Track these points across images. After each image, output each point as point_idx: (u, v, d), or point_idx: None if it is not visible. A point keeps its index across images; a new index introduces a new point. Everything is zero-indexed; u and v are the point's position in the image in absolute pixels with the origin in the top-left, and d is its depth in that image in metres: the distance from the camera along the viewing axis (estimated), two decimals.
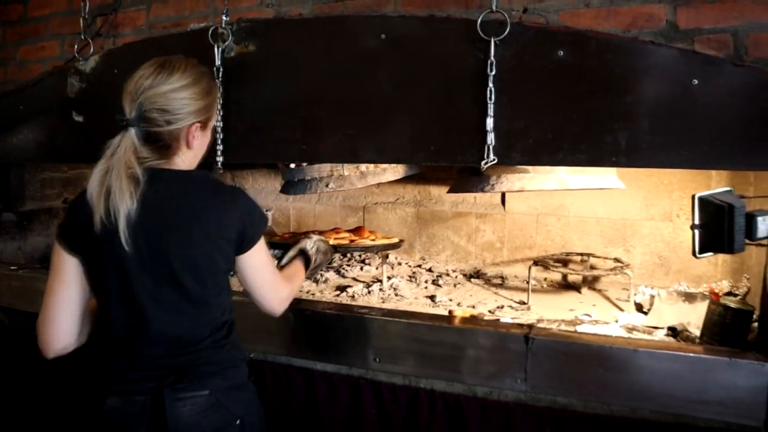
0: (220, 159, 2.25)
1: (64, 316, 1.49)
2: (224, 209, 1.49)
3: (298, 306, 2.14)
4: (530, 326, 1.94)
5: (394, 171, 2.63)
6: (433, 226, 3.17)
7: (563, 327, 2.11)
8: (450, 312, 2.10)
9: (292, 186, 2.84)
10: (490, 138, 1.86)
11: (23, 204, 3.18)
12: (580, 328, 2.08)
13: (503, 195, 3.00)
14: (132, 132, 1.46)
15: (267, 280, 1.61)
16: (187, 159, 1.55)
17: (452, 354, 1.94)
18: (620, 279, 2.61)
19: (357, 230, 2.27)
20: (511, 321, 2.14)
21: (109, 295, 1.47)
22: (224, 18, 2.23)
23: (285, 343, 2.18)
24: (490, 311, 2.38)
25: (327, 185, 2.62)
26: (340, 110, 2.09)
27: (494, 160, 1.86)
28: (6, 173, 3.09)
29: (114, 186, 1.40)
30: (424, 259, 3.18)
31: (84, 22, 2.59)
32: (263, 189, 3.66)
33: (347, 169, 2.64)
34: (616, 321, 2.23)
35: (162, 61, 1.52)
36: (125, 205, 1.38)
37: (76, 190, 3.47)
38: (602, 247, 2.85)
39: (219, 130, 2.23)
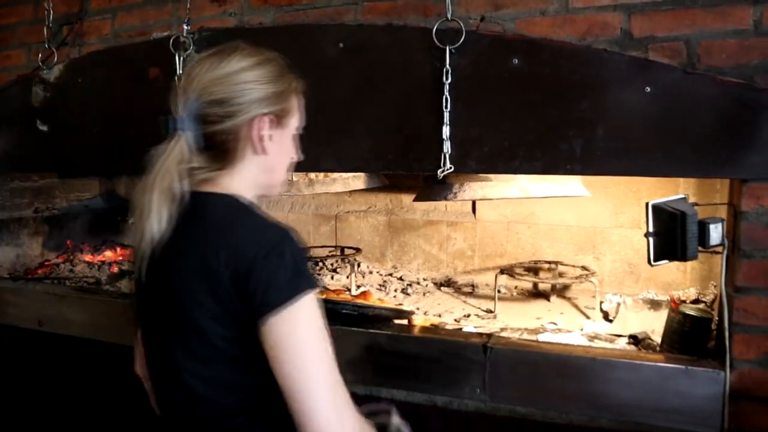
0: None
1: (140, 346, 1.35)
2: None
3: None
4: (489, 335, 1.93)
5: (344, 182, 2.63)
6: (404, 234, 3.17)
7: (525, 335, 2.10)
8: (409, 321, 2.09)
9: None
10: (447, 146, 1.86)
11: None
12: (542, 337, 2.07)
13: (474, 203, 3.00)
14: (184, 136, 1.18)
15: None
16: (253, 172, 1.23)
17: (412, 363, 1.93)
18: (590, 287, 2.60)
19: (362, 295, 2.24)
20: (473, 330, 2.13)
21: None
22: (185, 27, 2.23)
23: None
24: (456, 320, 2.37)
25: None
26: None
27: (450, 168, 1.86)
28: None
29: (145, 202, 1.16)
30: (395, 268, 3.17)
31: (48, 31, 2.57)
32: None
33: (296, 175, 2.63)
34: (581, 329, 2.22)
35: (220, 47, 1.25)
36: (151, 226, 1.14)
37: (48, 199, 3.45)
38: (573, 254, 2.84)
39: None
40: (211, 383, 1.16)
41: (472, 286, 2.91)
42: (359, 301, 2.12)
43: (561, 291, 2.74)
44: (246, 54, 1.23)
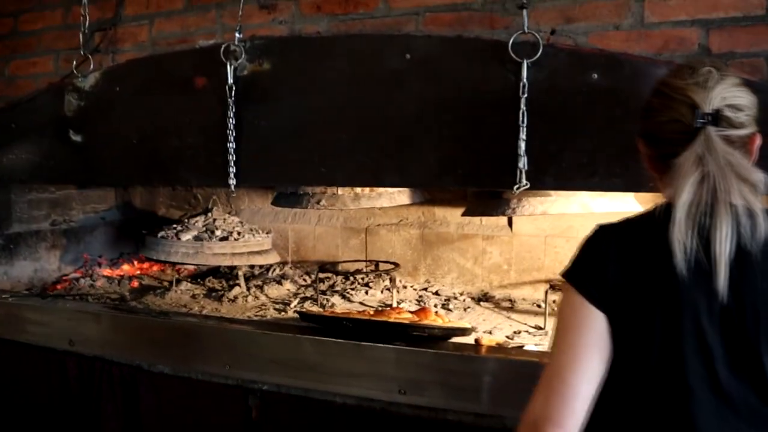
0: (233, 182, 2.16)
1: (581, 400, 1.07)
2: None
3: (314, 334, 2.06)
4: None
5: (390, 197, 2.57)
6: (438, 248, 3.11)
7: None
8: (477, 341, 2.03)
9: (284, 198, 2.76)
10: (522, 162, 1.80)
11: (9, 226, 3.02)
12: None
13: (510, 217, 2.95)
14: (713, 134, 1.09)
15: None
16: None
17: (481, 384, 1.87)
18: None
19: (421, 311, 2.17)
20: (536, 348, 2.08)
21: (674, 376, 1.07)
22: (237, 35, 2.15)
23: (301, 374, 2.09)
24: (508, 337, 2.32)
25: (318, 202, 2.54)
26: (361, 132, 2.02)
27: (527, 184, 1.81)
28: None
29: (720, 202, 1.04)
30: (429, 282, 3.11)
31: (83, 37, 2.47)
32: (260, 210, 3.55)
33: (341, 189, 2.57)
34: None
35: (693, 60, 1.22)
36: (729, 240, 1.03)
37: (65, 211, 3.33)
38: None
39: (232, 151, 2.14)
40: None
41: (511, 300, 2.85)
42: (427, 322, 2.06)
43: None
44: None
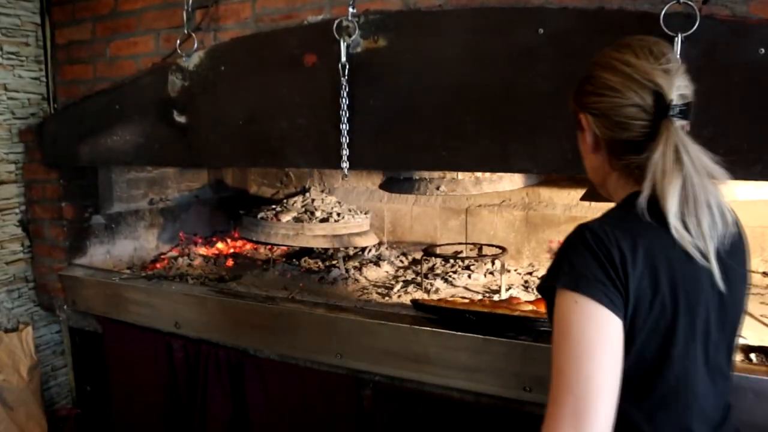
0: (345, 165, 2.07)
1: (608, 409, 1.01)
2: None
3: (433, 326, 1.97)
4: None
5: (512, 180, 2.42)
6: (543, 230, 2.96)
7: None
8: None
9: (395, 183, 2.64)
10: None
11: (111, 206, 3.04)
12: None
13: None
14: (678, 127, 1.11)
15: None
16: None
17: None
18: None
19: (539, 301, 2.05)
20: None
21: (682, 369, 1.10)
22: (350, 10, 2.03)
23: (416, 366, 2.01)
24: None
25: (438, 188, 2.42)
26: (488, 113, 1.88)
27: None
28: (95, 175, 2.94)
29: (700, 203, 1.08)
30: (533, 266, 2.97)
31: (186, 14, 2.40)
32: (354, 189, 3.47)
33: (462, 174, 2.44)
34: None
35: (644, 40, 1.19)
36: (717, 231, 1.09)
37: (161, 190, 3.33)
38: None
39: (345, 132, 2.04)
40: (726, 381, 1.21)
41: None
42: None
43: None
44: None
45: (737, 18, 1.65)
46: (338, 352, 2.16)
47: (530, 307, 2.05)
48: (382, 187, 2.69)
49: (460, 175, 2.33)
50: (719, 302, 1.13)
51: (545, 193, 2.97)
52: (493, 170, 2.21)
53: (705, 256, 1.08)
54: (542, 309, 2.07)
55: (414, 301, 2.15)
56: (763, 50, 1.57)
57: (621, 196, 1.21)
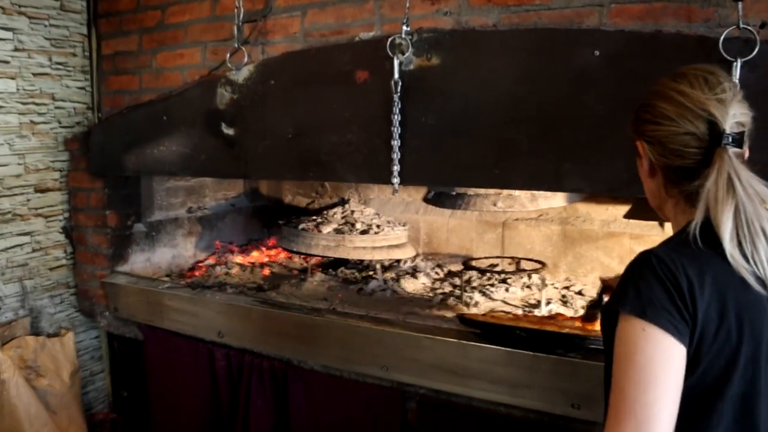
0: (396, 181, 2.10)
1: None
2: None
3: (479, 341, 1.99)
4: None
5: (566, 196, 2.44)
6: (580, 245, 2.97)
7: None
8: None
9: (446, 199, 2.66)
10: None
11: (152, 214, 3.08)
12: None
13: None
14: (732, 155, 1.12)
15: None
16: None
17: None
18: None
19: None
20: None
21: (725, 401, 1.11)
22: (404, 27, 2.06)
23: (462, 381, 2.03)
24: None
25: (495, 204, 2.44)
26: (541, 132, 1.90)
27: None
28: (138, 184, 2.99)
29: (756, 230, 1.09)
30: (569, 280, 2.98)
31: (237, 29, 2.45)
32: (389, 200, 3.50)
33: (518, 191, 2.45)
34: None
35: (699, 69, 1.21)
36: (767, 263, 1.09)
37: (199, 198, 3.37)
38: None
39: (396, 148, 2.07)
40: None
41: None
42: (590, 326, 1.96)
43: None
44: None
45: None
46: (384, 365, 2.18)
47: (578, 324, 2.06)
48: (430, 201, 2.72)
49: (516, 192, 2.35)
50: None
51: (583, 208, 2.99)
52: (545, 189, 2.23)
53: (763, 283, 1.09)
54: (589, 327, 2.08)
55: (460, 316, 2.17)
56: None
57: (681, 221, 1.22)
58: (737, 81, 1.63)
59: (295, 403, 2.40)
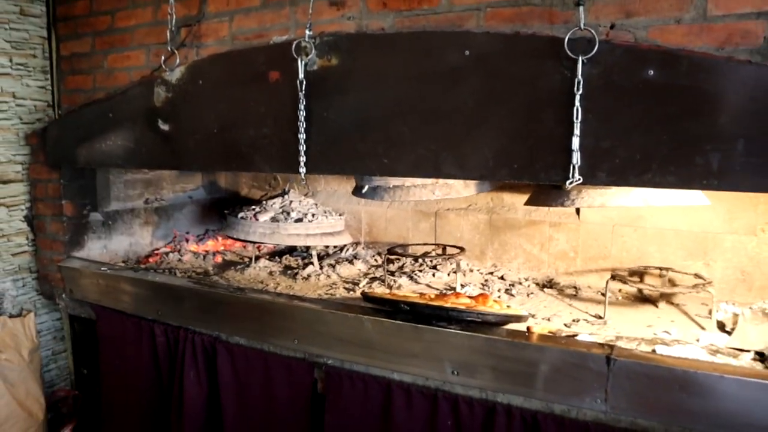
0: (302, 170, 2.31)
1: None
2: None
3: (375, 315, 2.20)
4: (611, 347, 1.92)
5: (466, 186, 2.64)
6: (505, 233, 3.16)
7: (643, 346, 2.07)
8: (528, 329, 2.10)
9: (384, 191, 2.84)
10: (576, 157, 1.84)
11: (108, 204, 3.32)
12: (660, 349, 2.04)
13: None
14: None
15: None
16: None
17: (530, 371, 1.94)
18: (700, 294, 2.54)
19: (480, 297, 2.27)
20: (589, 339, 2.12)
21: None
22: (307, 32, 2.27)
23: (362, 351, 2.24)
24: (566, 324, 2.37)
25: (433, 192, 2.61)
26: (422, 125, 2.11)
27: (579, 179, 1.84)
28: (93, 176, 3.23)
29: None
30: (495, 266, 3.18)
31: (170, 33, 2.67)
32: (335, 192, 3.71)
33: (420, 180, 2.64)
34: (697, 340, 2.18)
35: None
36: None
37: (157, 190, 3.61)
38: (681, 260, 2.78)
39: (302, 141, 2.28)
40: None
41: (575, 288, 2.88)
42: (482, 308, 2.15)
43: (668, 297, 2.69)
44: None
45: (631, 44, 1.85)
46: (295, 338, 2.39)
47: (467, 301, 2.26)
48: (355, 194, 2.93)
49: (418, 183, 2.55)
50: None
51: (508, 198, 3.18)
52: (424, 176, 2.42)
53: None
54: (480, 303, 2.28)
55: (363, 294, 2.38)
56: (651, 71, 1.77)
57: None
58: (581, 77, 1.83)
59: (222, 374, 2.62)
